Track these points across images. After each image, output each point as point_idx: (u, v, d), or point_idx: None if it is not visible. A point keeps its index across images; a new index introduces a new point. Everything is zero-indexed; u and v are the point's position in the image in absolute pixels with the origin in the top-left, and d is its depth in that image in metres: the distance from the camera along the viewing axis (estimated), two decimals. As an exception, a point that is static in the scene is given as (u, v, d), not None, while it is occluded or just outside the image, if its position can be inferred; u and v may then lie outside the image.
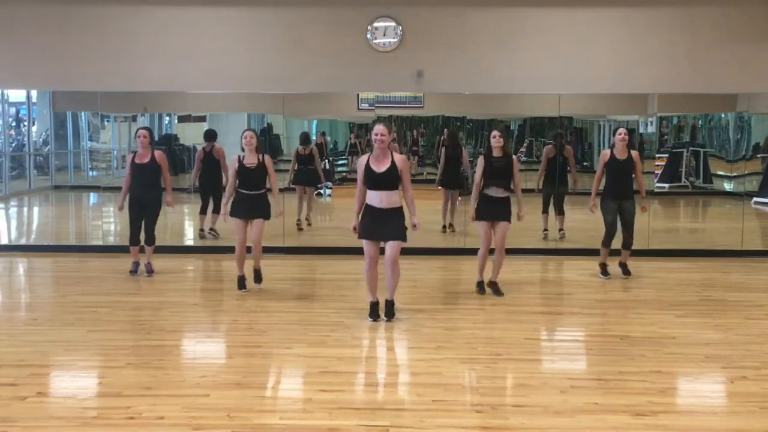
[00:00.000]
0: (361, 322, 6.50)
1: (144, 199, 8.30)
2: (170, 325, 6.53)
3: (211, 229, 10.60)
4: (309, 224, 11.39)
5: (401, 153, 9.56)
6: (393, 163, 6.33)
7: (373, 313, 6.54)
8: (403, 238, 6.41)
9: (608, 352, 5.76)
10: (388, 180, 6.32)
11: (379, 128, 6.34)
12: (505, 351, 5.72)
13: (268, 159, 7.65)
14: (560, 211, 10.55)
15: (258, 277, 7.76)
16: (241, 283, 7.71)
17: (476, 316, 6.84)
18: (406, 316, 6.62)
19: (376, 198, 6.35)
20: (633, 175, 8.18)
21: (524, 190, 7.60)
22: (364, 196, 6.44)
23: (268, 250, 8.81)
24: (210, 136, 10.59)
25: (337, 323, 6.48)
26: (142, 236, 8.45)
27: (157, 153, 8.35)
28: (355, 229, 6.51)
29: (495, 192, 7.38)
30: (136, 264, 8.51)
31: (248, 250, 7.69)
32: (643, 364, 5.40)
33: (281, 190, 7.88)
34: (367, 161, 6.39)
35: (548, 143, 11.27)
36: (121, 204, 8.45)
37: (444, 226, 11.07)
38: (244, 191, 7.56)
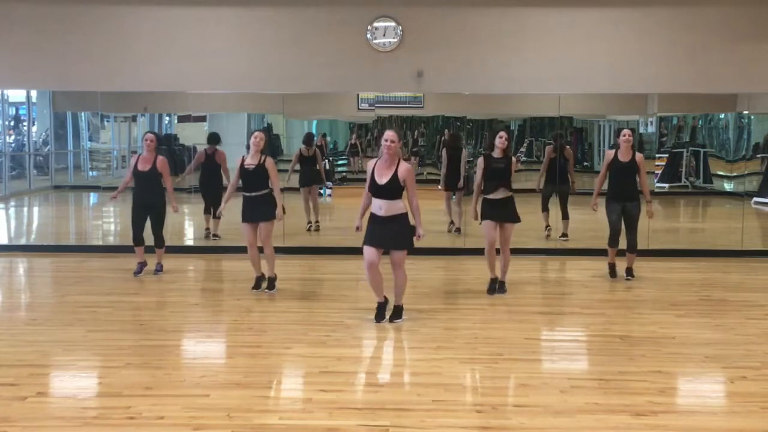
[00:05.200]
0: (361, 322, 6.50)
1: (148, 204, 8.33)
2: (170, 325, 6.53)
3: (215, 234, 10.61)
4: (317, 229, 11.36)
5: (402, 153, 9.53)
6: (395, 174, 6.26)
7: (380, 315, 6.49)
8: (406, 246, 6.36)
9: (608, 352, 5.77)
10: (389, 191, 6.28)
11: (389, 134, 6.28)
12: (505, 351, 5.72)
13: (269, 161, 7.55)
14: (564, 215, 10.52)
15: (271, 285, 7.70)
16: (258, 283, 7.73)
17: (476, 316, 6.84)
18: (406, 316, 6.61)
19: (377, 205, 6.33)
20: (636, 177, 8.15)
21: (524, 190, 7.61)
22: (369, 199, 6.44)
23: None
24: (213, 139, 10.59)
25: (338, 323, 6.48)
26: (146, 237, 8.47)
27: (160, 159, 8.33)
28: (358, 229, 6.52)
29: (496, 194, 7.40)
30: (141, 265, 8.52)
31: (260, 249, 7.69)
32: (643, 364, 5.40)
33: (281, 189, 7.84)
34: (374, 168, 6.36)
35: (549, 143, 11.27)
36: (116, 195, 8.61)
37: (451, 222, 11.07)
38: (246, 193, 7.54)
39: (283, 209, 7.73)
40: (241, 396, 4.73)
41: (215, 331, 6.52)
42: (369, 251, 6.36)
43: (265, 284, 7.74)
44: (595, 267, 8.63)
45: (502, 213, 7.41)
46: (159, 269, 8.55)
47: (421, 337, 6.15)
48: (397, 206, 6.32)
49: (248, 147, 7.59)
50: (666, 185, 13.43)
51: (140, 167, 8.29)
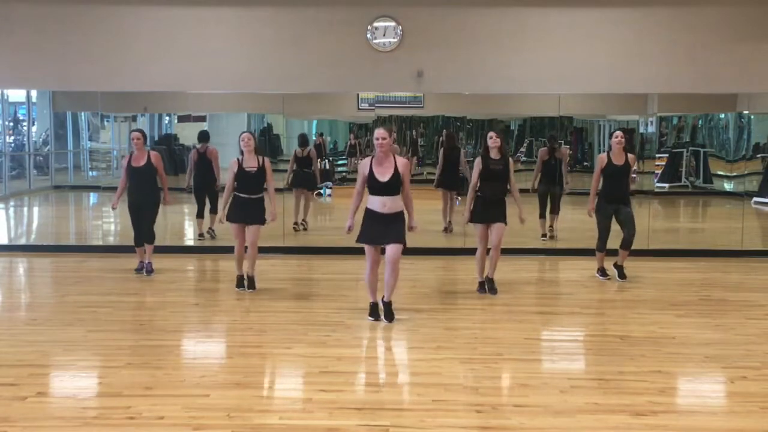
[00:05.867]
0: (361, 322, 6.50)
1: (142, 201, 8.38)
2: (170, 325, 6.53)
3: (210, 228, 10.61)
4: (305, 228, 11.35)
5: (401, 154, 9.56)
6: (396, 170, 6.33)
7: (373, 313, 6.57)
8: (404, 241, 6.42)
9: (608, 352, 5.76)
10: (392, 187, 6.34)
11: (378, 132, 6.35)
12: (505, 351, 5.72)
13: (267, 162, 7.62)
14: (556, 210, 10.57)
15: (251, 284, 7.70)
16: (240, 282, 7.75)
17: (476, 316, 6.85)
18: (406, 316, 6.62)
19: (379, 203, 6.34)
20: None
21: (523, 190, 7.59)
22: (362, 198, 6.46)
23: (267, 250, 8.87)
24: (203, 137, 10.59)
25: (337, 323, 6.48)
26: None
27: (153, 154, 8.40)
28: (350, 229, 6.51)
29: (491, 195, 7.38)
30: (142, 263, 8.59)
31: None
32: (643, 364, 5.40)
33: (278, 191, 7.85)
34: (371, 167, 6.38)
35: (543, 145, 11.29)
36: (116, 203, 8.57)
37: (445, 228, 11.08)
38: (244, 195, 7.52)
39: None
40: (241, 396, 4.73)
41: (215, 331, 6.52)
42: (372, 250, 6.43)
43: (247, 283, 7.73)
44: (594, 267, 8.62)
45: (493, 214, 7.38)
46: (150, 269, 8.48)
47: (421, 337, 6.15)
48: (399, 202, 6.39)
49: (241, 151, 7.58)
50: (666, 185, 13.42)
51: (134, 164, 8.33)
